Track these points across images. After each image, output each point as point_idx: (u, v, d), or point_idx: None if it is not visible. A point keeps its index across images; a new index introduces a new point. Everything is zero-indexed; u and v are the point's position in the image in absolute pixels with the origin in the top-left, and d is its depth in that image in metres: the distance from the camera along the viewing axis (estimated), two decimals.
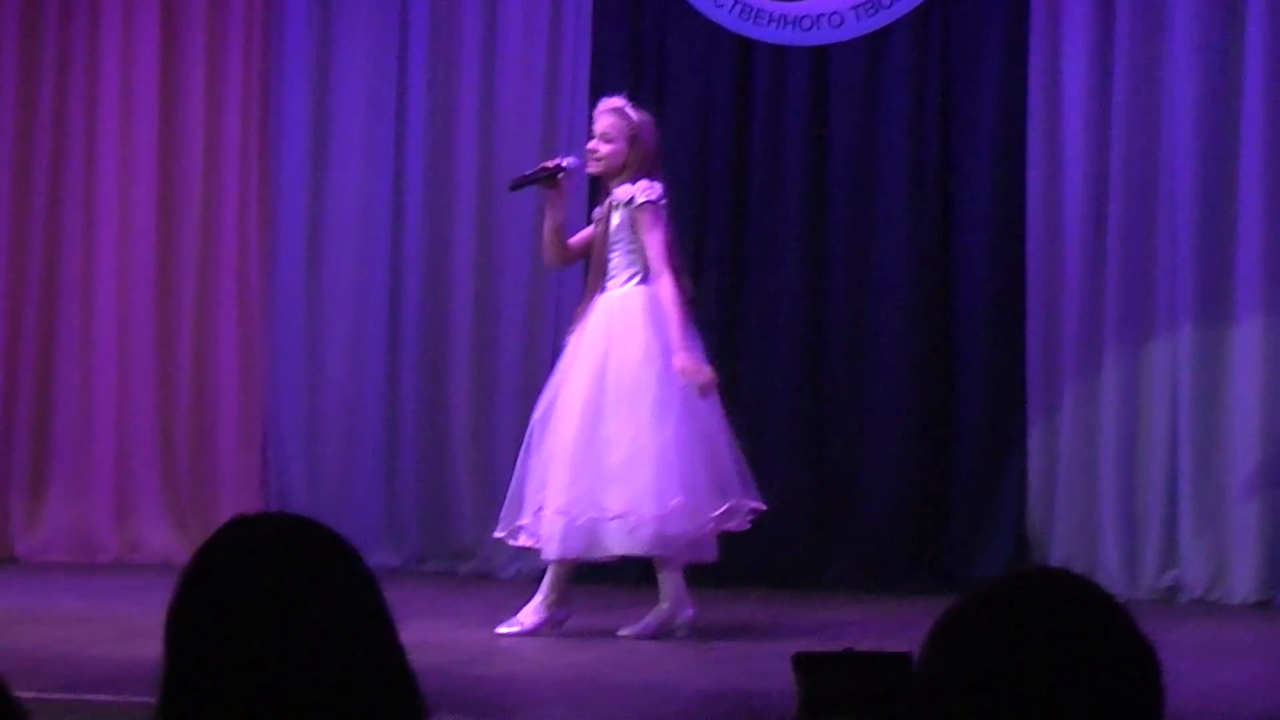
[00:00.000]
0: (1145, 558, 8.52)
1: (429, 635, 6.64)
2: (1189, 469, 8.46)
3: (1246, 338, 8.45)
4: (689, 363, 6.82)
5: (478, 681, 5.92)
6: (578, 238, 7.14)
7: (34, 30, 9.62)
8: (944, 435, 8.84)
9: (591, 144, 7.06)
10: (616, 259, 6.92)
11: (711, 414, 6.99)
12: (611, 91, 9.03)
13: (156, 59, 9.55)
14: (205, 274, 9.55)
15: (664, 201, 7.03)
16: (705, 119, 9.05)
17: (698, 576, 8.72)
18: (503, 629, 6.91)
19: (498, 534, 7.13)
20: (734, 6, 9.01)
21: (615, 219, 6.93)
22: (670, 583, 6.97)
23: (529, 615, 6.91)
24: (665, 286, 6.86)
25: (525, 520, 6.92)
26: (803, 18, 8.97)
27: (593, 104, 9.06)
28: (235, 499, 9.32)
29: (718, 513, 6.94)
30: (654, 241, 6.86)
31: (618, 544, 6.86)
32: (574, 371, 6.96)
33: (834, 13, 8.93)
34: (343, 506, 9.02)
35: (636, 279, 6.94)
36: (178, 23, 9.59)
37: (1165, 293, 8.55)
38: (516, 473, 7.06)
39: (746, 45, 9.05)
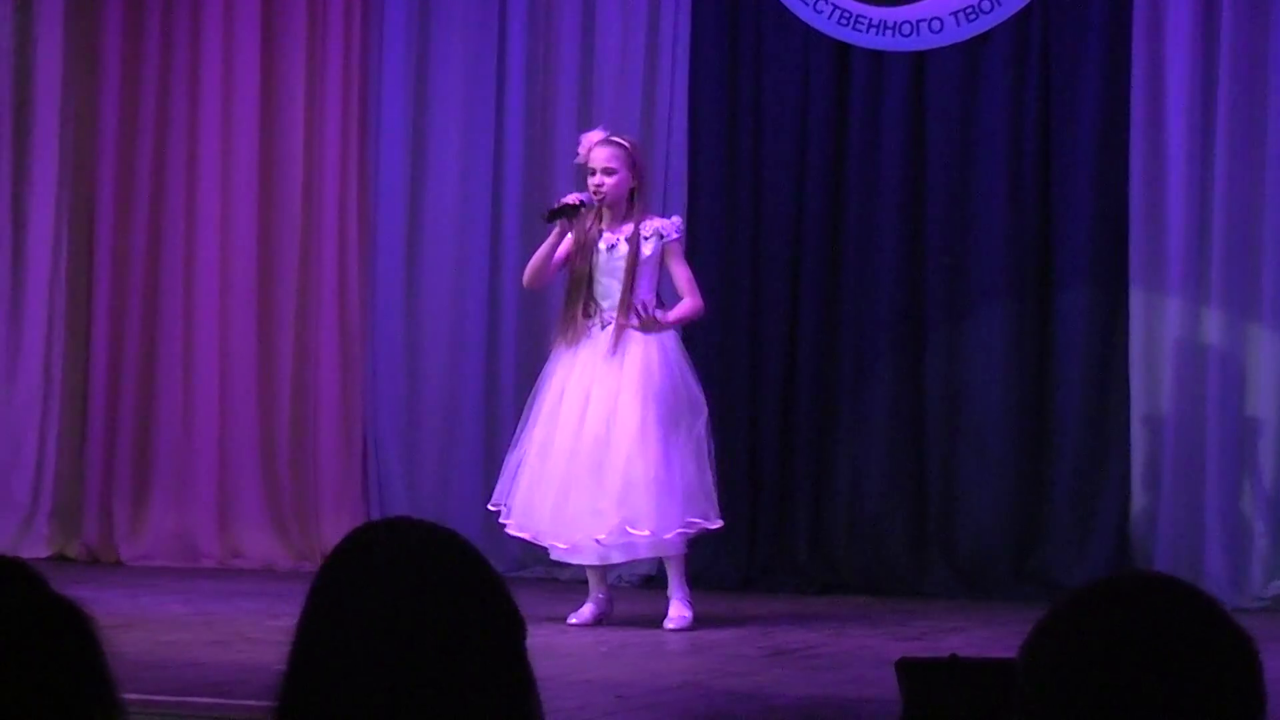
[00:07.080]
0: (1252, 566, 8.43)
1: (532, 641, 6.66)
2: None
3: None
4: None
5: (585, 686, 5.93)
6: (556, 258, 7.67)
7: (136, 44, 9.70)
8: (1045, 442, 8.78)
9: (595, 179, 7.61)
10: (643, 285, 7.53)
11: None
12: (710, 100, 9.10)
13: (257, 66, 9.61)
14: (306, 281, 9.60)
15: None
16: (803, 124, 9.03)
17: (800, 585, 8.73)
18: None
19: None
20: (832, 12, 8.98)
21: (647, 249, 7.54)
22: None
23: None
24: (699, 309, 7.62)
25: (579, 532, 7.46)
26: (902, 23, 8.92)
27: (692, 114, 9.13)
28: (336, 505, 9.38)
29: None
30: (686, 272, 7.61)
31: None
32: (625, 389, 7.47)
33: (934, 18, 8.88)
34: (444, 512, 9.03)
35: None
36: (278, 31, 9.65)
37: (1271, 297, 8.45)
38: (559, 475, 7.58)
39: (844, 50, 9.01)
